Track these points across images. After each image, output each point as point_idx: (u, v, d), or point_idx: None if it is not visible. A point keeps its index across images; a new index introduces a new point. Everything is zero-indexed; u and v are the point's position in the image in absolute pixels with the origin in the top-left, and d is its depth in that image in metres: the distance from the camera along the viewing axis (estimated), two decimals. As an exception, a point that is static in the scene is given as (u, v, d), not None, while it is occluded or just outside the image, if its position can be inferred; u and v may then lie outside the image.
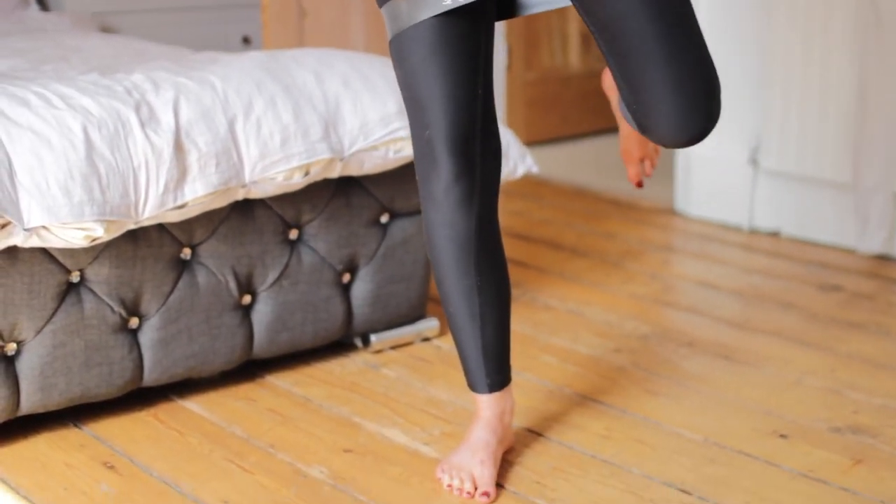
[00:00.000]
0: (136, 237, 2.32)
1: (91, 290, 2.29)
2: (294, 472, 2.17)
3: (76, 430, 2.34)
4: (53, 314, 2.25)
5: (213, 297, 2.44)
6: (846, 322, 2.92)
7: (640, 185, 2.23)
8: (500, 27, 4.81)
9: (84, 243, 2.16)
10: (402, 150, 2.57)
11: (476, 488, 2.06)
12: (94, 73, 2.49)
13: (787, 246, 3.59)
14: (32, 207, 2.10)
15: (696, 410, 2.42)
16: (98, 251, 2.27)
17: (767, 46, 3.61)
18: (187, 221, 2.38)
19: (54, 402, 2.28)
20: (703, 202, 3.89)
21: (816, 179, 3.57)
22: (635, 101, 1.86)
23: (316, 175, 2.48)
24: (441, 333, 2.82)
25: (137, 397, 2.45)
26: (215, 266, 2.44)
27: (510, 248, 3.41)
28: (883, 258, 3.42)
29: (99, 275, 2.29)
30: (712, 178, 3.85)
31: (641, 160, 2.22)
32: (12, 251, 2.18)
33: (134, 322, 2.36)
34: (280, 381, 2.57)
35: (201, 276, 2.42)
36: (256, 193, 2.42)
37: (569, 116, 5.16)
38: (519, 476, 2.14)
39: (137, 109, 2.27)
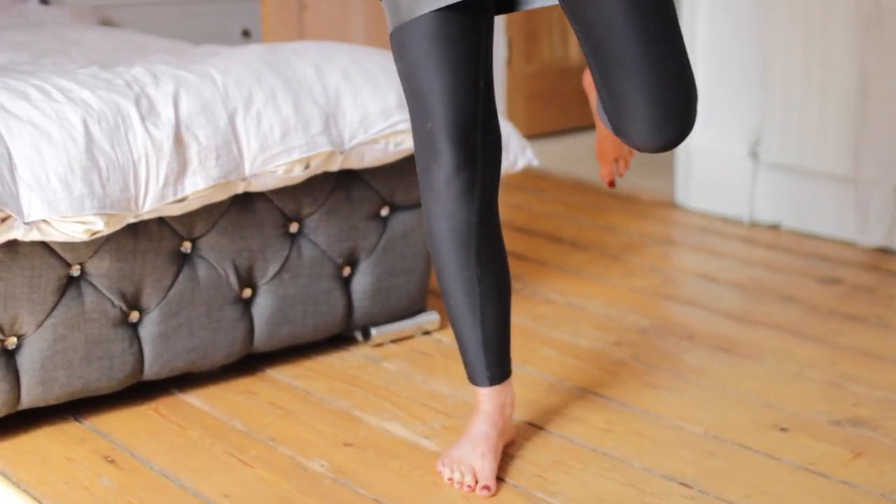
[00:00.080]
0: (136, 231, 2.32)
1: (91, 284, 2.29)
2: (295, 465, 2.17)
3: (77, 424, 2.34)
4: (54, 308, 2.25)
5: (214, 291, 2.44)
6: (846, 315, 2.92)
7: (611, 184, 2.27)
8: (500, 20, 4.81)
9: (84, 237, 2.16)
10: (402, 143, 2.57)
11: (477, 482, 2.06)
12: (93, 66, 2.49)
13: (788, 239, 3.59)
14: (32, 201, 2.10)
15: (697, 403, 2.42)
16: (98, 245, 2.27)
17: (768, 39, 3.60)
18: (188, 215, 2.38)
19: (55, 395, 2.28)
20: (703, 195, 3.89)
21: (817, 172, 3.57)
22: (612, 104, 1.88)
23: (316, 168, 2.47)
24: (442, 327, 2.82)
25: (138, 391, 2.45)
26: (216, 259, 2.44)
27: (510, 241, 3.41)
28: (883, 251, 3.42)
29: (99, 268, 2.29)
30: (713, 171, 3.85)
31: (615, 160, 2.25)
32: (12, 245, 2.18)
33: (134, 316, 2.36)
34: (280, 374, 2.57)
35: (202, 270, 2.42)
36: (257, 187, 2.42)
37: (569, 109, 5.15)
38: (520, 469, 2.15)
39: (137, 103, 2.27)
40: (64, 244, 2.23)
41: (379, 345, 2.73)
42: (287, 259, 2.55)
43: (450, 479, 2.09)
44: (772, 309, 2.97)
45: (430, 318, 2.80)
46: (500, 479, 2.10)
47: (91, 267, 2.28)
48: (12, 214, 2.08)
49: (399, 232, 2.70)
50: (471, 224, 2.02)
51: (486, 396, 2.13)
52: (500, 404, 2.14)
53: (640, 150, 1.92)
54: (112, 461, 2.18)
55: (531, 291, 3.10)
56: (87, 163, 2.15)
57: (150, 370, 2.40)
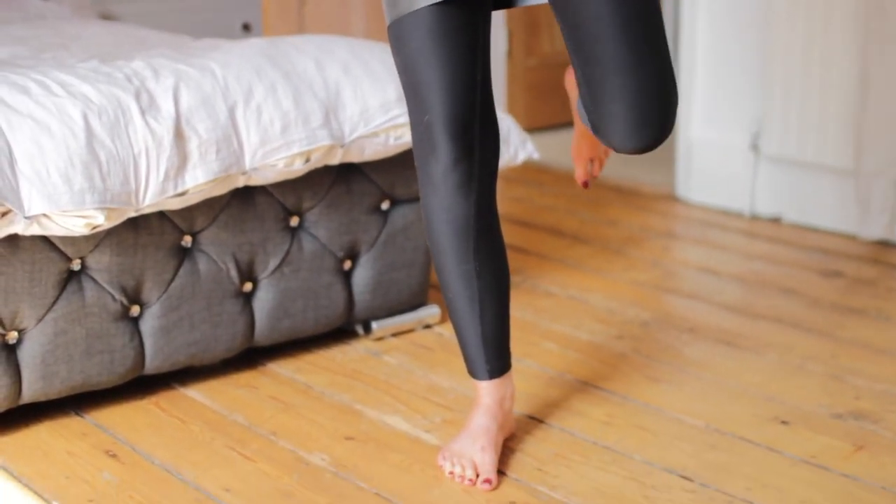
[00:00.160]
0: (136, 225, 2.32)
1: (92, 278, 2.29)
2: (295, 459, 2.17)
3: (78, 418, 2.34)
4: (54, 302, 2.25)
5: (215, 285, 2.44)
6: (847, 308, 2.92)
7: (585, 185, 2.28)
8: (500, 14, 4.80)
9: (85, 231, 2.16)
10: (402, 137, 2.57)
11: (477, 475, 2.06)
12: (94, 60, 2.49)
13: (789, 232, 3.58)
14: (33, 195, 2.10)
15: (698, 397, 2.42)
16: (99, 239, 2.27)
17: (769, 32, 3.60)
18: (188, 209, 2.37)
19: (56, 390, 2.28)
20: (704, 188, 3.89)
21: (818, 165, 3.56)
22: (592, 104, 1.89)
23: (316, 162, 2.47)
24: (442, 320, 2.82)
25: (139, 385, 2.45)
26: (216, 253, 2.44)
27: (511, 234, 3.41)
28: (884, 244, 3.42)
29: (100, 263, 2.28)
30: (713, 164, 3.85)
31: (591, 160, 2.26)
32: (13, 239, 2.18)
33: (135, 310, 2.36)
34: (281, 368, 2.57)
35: (202, 264, 2.42)
36: (257, 180, 2.42)
37: (570, 103, 5.14)
38: (520, 463, 2.15)
39: (137, 97, 2.27)
40: (64, 238, 2.23)
41: (380, 338, 2.73)
42: (288, 253, 2.55)
43: (451, 473, 2.09)
44: (773, 302, 2.97)
45: (431, 312, 2.80)
46: (500, 472, 2.10)
47: (92, 261, 2.28)
48: (13, 209, 2.08)
49: (399, 225, 2.70)
50: (469, 217, 2.02)
51: (486, 390, 2.13)
52: (499, 397, 2.14)
53: (617, 150, 1.94)
54: (113, 455, 2.18)
55: (532, 285, 3.10)
56: (87, 157, 2.15)
57: (151, 364, 2.40)
